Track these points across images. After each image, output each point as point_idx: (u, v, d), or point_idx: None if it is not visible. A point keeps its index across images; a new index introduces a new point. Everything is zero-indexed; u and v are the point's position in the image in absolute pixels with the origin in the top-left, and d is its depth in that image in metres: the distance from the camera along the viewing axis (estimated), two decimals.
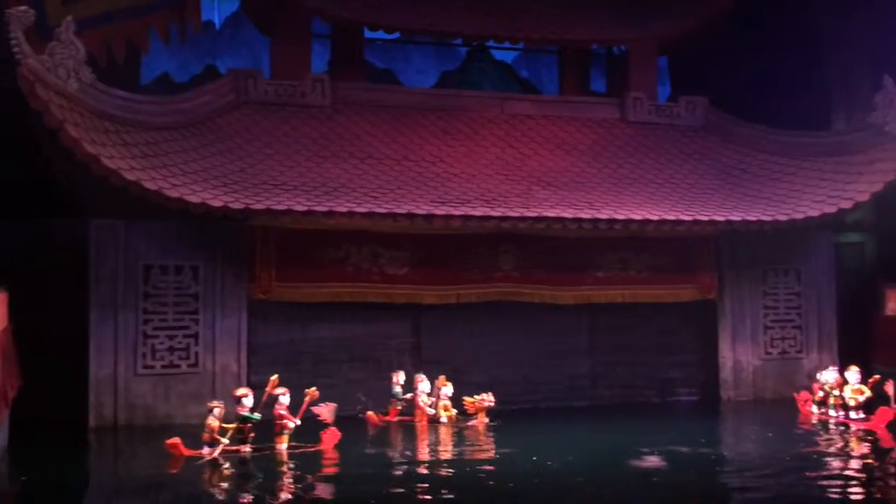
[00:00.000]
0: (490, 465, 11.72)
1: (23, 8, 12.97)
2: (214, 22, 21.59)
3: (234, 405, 12.20)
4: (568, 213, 15.16)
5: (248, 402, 12.12)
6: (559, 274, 16.09)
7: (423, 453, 12.81)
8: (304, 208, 14.08)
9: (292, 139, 15.93)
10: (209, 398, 14.23)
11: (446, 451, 12.88)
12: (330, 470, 11.47)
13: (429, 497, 10.06)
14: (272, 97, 16.35)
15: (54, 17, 14.32)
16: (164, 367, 14.43)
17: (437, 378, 14.72)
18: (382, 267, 15.40)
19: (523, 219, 14.98)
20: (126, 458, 12.97)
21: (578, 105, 18.28)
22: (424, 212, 14.59)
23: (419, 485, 10.62)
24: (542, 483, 10.67)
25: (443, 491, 10.28)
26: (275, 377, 12.58)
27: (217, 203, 13.69)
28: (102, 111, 13.78)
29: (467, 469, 11.49)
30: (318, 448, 12.19)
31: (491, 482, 10.76)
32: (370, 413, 14.67)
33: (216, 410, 11.93)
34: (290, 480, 10.96)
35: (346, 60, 17.53)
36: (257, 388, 12.87)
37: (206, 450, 11.75)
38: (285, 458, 11.91)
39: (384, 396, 15.02)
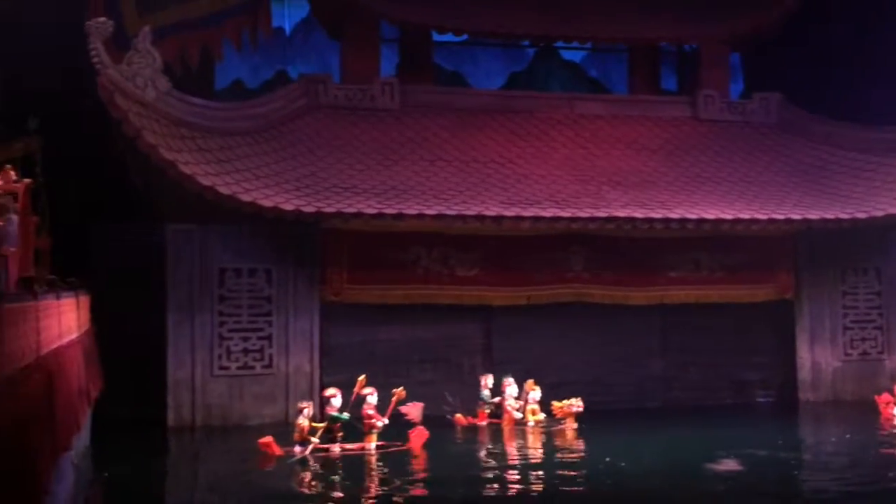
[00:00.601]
0: (563, 467, 11.65)
1: (102, 19, 13.35)
2: (285, 28, 21.85)
3: (323, 405, 12.35)
4: (639, 213, 15.00)
5: (337, 402, 12.29)
6: (631, 274, 15.92)
7: (495, 455, 12.76)
8: (375, 211, 14.18)
9: (362, 142, 16.07)
10: (283, 399, 14.51)
11: (520, 454, 12.80)
12: (419, 470, 11.57)
13: (498, 499, 10.05)
14: (342, 101, 16.51)
15: (132, 28, 14.72)
16: (238, 368, 14.67)
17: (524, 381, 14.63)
18: (452, 269, 15.43)
19: (594, 219, 14.86)
20: (211, 457, 13.10)
21: (649, 104, 18.08)
22: (494, 213, 14.58)
23: (487, 486, 10.61)
24: (615, 485, 10.57)
25: (513, 492, 10.26)
26: (362, 377, 12.73)
27: (289, 207, 13.88)
28: (178, 118, 14.10)
29: (540, 471, 11.43)
30: (406, 447, 12.29)
31: (563, 484, 10.69)
32: (458, 416, 14.69)
33: (306, 411, 12.12)
34: (381, 480, 11.04)
35: (415, 64, 17.62)
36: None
37: (297, 449, 11.94)
38: (375, 457, 12.04)
39: (455, 397, 15.04)
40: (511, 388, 14.53)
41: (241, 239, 14.73)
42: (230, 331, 14.68)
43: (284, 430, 12.81)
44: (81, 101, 14.60)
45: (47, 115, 13.79)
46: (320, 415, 12.79)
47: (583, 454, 12.53)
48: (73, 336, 10.33)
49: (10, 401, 5.47)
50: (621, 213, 14.95)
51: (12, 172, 9.24)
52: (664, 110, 18.00)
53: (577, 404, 14.24)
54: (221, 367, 14.62)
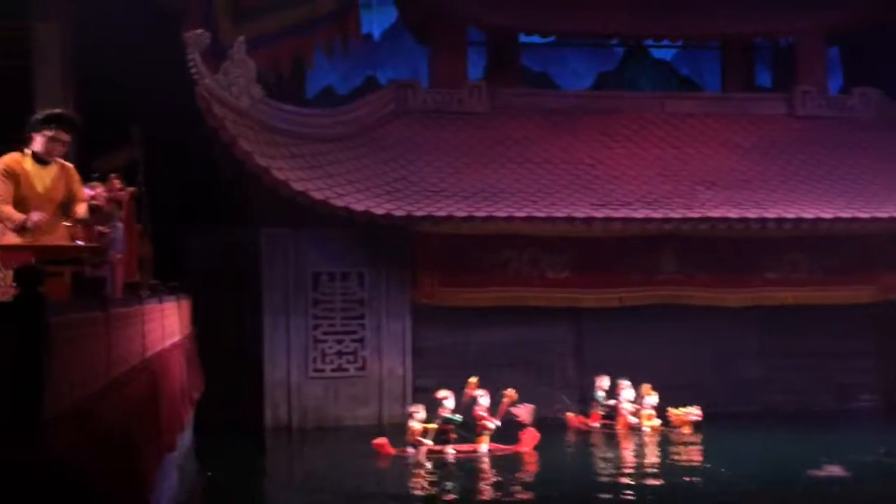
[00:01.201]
0: (660, 473, 11.47)
1: (199, 31, 13.70)
2: (374, 34, 22.12)
3: (436, 407, 12.46)
4: (733, 214, 14.69)
5: (450, 403, 12.36)
6: (725, 276, 15.58)
7: (606, 461, 12.58)
8: (464, 214, 14.24)
9: (451, 146, 16.14)
10: (375, 401, 14.69)
11: (631, 461, 12.62)
12: (533, 475, 11.61)
13: None
14: (431, 105, 16.60)
15: (226, 37, 15.05)
16: (333, 370, 14.89)
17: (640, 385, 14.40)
18: (543, 271, 15.36)
19: (686, 220, 14.62)
20: (315, 458, 13.22)
21: (743, 101, 17.69)
22: (584, 215, 14.47)
23: (598, 493, 10.52)
24: (716, 493, 10.35)
25: (604, 497, 10.17)
26: (474, 379, 12.80)
27: (380, 211, 14.03)
28: (272, 125, 14.41)
29: (636, 477, 11.29)
30: (518, 448, 12.32)
31: (661, 491, 10.53)
32: (570, 414, 14.60)
33: (417, 414, 12.23)
34: (495, 484, 11.06)
35: (502, 66, 17.61)
36: (421, 392, 13.11)
37: (410, 450, 12.09)
38: (487, 459, 12.08)
39: (546, 400, 14.96)
40: (627, 391, 14.21)
41: (333, 243, 14.95)
42: (324, 333, 14.91)
43: (378, 432, 12.93)
44: (179, 108, 14.96)
45: (145, 122, 14.15)
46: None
47: (679, 460, 12.32)
48: (176, 339, 10.61)
49: (119, 402, 5.65)
50: (715, 214, 14.66)
51: (117, 181, 9.53)
52: (759, 107, 17.59)
53: (694, 413, 13.95)
54: (316, 370, 14.85)
